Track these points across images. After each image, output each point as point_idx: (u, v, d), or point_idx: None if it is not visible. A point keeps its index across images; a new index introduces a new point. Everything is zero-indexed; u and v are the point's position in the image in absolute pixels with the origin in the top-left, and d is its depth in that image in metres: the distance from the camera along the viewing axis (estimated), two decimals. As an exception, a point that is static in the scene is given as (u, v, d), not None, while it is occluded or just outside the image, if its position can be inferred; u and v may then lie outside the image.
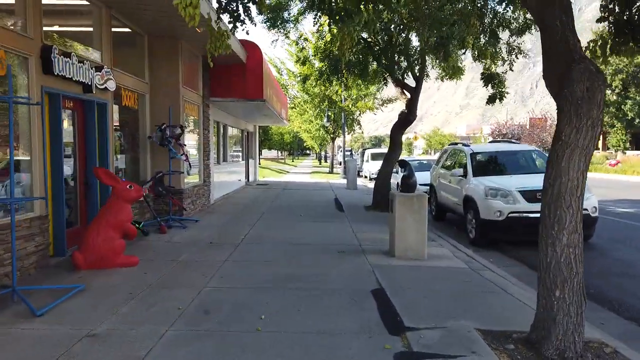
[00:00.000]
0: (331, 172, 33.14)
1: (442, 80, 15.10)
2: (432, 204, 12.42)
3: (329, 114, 29.33)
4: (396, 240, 7.08)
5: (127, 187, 6.24)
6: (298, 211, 12.11)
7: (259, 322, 4.25)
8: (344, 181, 24.18)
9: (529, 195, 8.26)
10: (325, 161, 65.14)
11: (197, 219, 10.09)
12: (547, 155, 10.93)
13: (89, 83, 6.99)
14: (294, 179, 26.47)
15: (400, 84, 12.75)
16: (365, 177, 28.62)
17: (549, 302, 3.60)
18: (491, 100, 11.69)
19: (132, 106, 9.19)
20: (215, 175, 13.93)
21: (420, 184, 16.14)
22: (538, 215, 8.53)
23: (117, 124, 9.20)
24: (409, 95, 12.90)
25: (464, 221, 9.59)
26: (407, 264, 6.66)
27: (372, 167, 27.58)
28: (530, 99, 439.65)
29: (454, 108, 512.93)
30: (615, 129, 58.45)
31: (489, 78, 11.33)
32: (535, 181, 8.80)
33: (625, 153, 49.53)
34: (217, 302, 4.82)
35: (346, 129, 28.37)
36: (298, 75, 29.18)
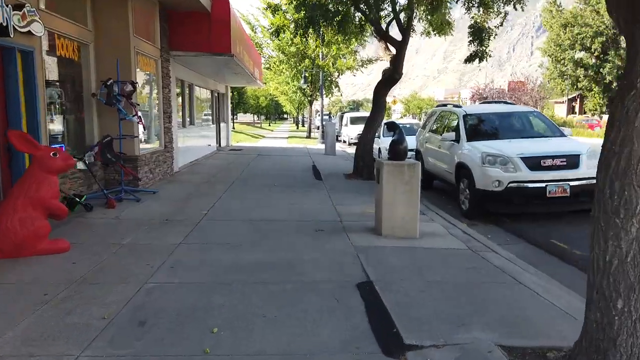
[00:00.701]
0: (309, 136, 31.87)
1: (427, 35, 13.86)
2: (418, 171, 11.42)
3: (306, 74, 27.76)
4: (383, 215, 6.04)
5: (51, 154, 4.97)
6: (272, 180, 10.95)
7: (209, 340, 3.17)
8: (322, 146, 22.99)
9: (532, 162, 7.28)
10: (303, 125, 63.60)
11: (155, 190, 8.85)
12: (547, 118, 10.00)
13: (4, 23, 5.56)
14: (270, 144, 25.16)
15: (384, 38, 11.46)
16: (344, 142, 27.48)
17: (606, 316, 2.60)
18: (471, 58, 10.53)
19: (72, 57, 7.73)
20: (179, 140, 12.59)
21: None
22: (542, 185, 7.71)
23: (56, 79, 7.79)
24: (393, 51, 11.65)
25: (455, 191, 8.62)
26: (397, 245, 5.64)
27: (352, 132, 26.44)
28: (507, 63, 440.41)
29: (431, 72, 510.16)
30: (592, 92, 58.36)
31: (477, 32, 10.11)
32: (539, 146, 7.86)
33: (601, 117, 49.51)
34: (159, 306, 3.71)
35: (324, 92, 26.92)
36: (270, 26, 27.35)
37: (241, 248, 5.36)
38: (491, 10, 9.31)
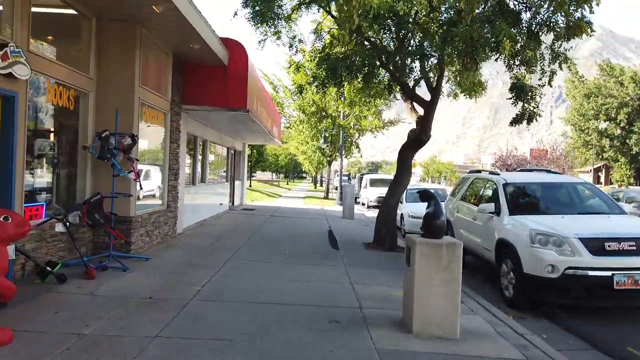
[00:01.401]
0: (326, 197, 30.90)
1: (455, 97, 13.09)
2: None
3: (326, 134, 27.25)
4: (415, 307, 4.80)
5: (0, 218, 3.97)
6: (283, 246, 9.80)
7: None
8: (340, 209, 21.88)
9: (594, 245, 6.01)
10: (321, 185, 63.01)
11: (148, 257, 7.76)
12: (600, 190, 8.80)
13: (-22, 63, 4.81)
14: (286, 204, 24.19)
15: (411, 97, 10.64)
16: (363, 204, 26.39)
17: None
18: (519, 119, 9.51)
19: (67, 106, 6.98)
20: (187, 199, 11.66)
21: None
22: (607, 273, 6.35)
23: (50, 128, 7.05)
24: (420, 112, 10.80)
25: (494, 271, 7.34)
26: (434, 351, 4.37)
27: (372, 194, 25.44)
28: (526, 131, 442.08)
29: (450, 137, 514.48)
30: (619, 163, 56.88)
31: (519, 91, 9.15)
32: (599, 225, 6.61)
33: (629, 188, 47.68)
34: None
35: (344, 152, 26.24)
36: (292, 84, 27.21)
37: (231, 349, 4.15)
38: (534, 68, 8.40)
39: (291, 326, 4.83)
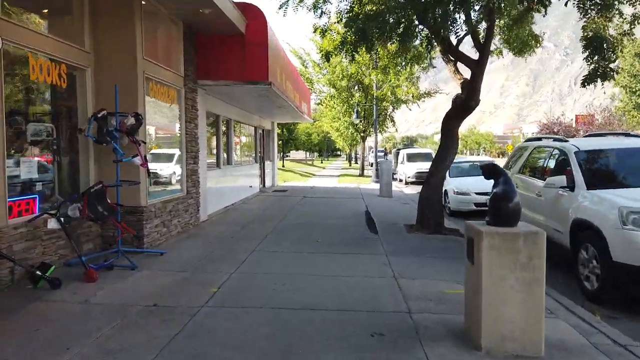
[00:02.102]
0: (361, 174, 29.68)
1: (498, 55, 11.60)
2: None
3: (359, 109, 25.88)
4: (484, 316, 3.67)
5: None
6: (315, 232, 8.79)
7: None
8: (376, 186, 20.69)
9: None
10: (356, 162, 61.69)
11: (163, 251, 6.89)
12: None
13: None
14: (320, 184, 23.18)
15: (456, 56, 9.25)
16: (400, 180, 25.07)
17: None
18: (591, 78, 7.99)
19: (58, 84, 6.08)
20: (211, 183, 10.79)
21: (477, 193, 12.73)
22: None
23: (46, 111, 6.22)
24: (466, 75, 9.40)
25: (568, 258, 6.07)
26: (515, 380, 3.24)
27: (409, 170, 24.09)
28: (568, 97, 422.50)
29: (488, 107, 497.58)
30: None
31: (592, 43, 7.59)
32: None
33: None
34: None
35: (378, 126, 24.85)
36: (319, 52, 25.72)
37: (245, 381, 3.16)
38: (612, 11, 6.85)
39: (323, 343, 3.79)
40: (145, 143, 6.84)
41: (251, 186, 15.68)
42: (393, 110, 28.15)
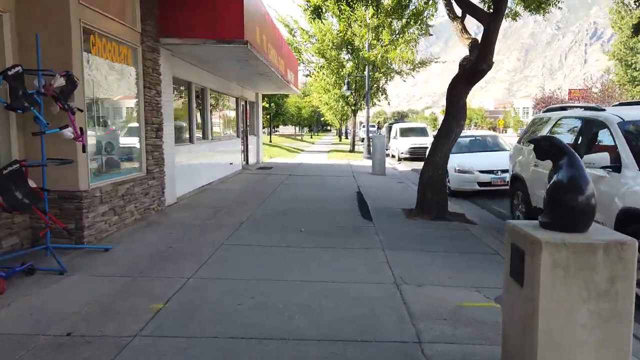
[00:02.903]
0: (352, 150, 28.33)
1: (514, 18, 10.27)
2: (516, 209, 7.68)
3: (349, 80, 24.32)
4: (536, 364, 2.43)
5: None
6: (299, 218, 7.53)
7: None
8: (368, 163, 19.43)
9: None
10: (346, 137, 60.27)
11: (108, 247, 5.58)
12: None
13: None
14: (308, 160, 21.84)
15: (466, 6, 7.87)
16: (393, 156, 23.81)
17: None
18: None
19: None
20: (182, 160, 9.44)
21: (481, 171, 11.49)
22: None
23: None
24: (471, 35, 8.04)
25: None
26: None
27: (402, 145, 22.84)
28: (558, 71, 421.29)
29: (479, 82, 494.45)
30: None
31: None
32: None
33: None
34: None
35: (369, 99, 23.35)
36: (307, 8, 24.03)
37: None
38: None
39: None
40: (81, 111, 5.42)
41: (232, 163, 14.30)
42: (386, 82, 26.62)
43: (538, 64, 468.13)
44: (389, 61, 23.37)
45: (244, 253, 5.56)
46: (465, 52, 8.31)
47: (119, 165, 6.90)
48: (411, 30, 18.54)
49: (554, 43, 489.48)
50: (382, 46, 21.43)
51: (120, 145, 7.10)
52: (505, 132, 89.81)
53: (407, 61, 18.51)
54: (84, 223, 5.57)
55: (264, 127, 59.68)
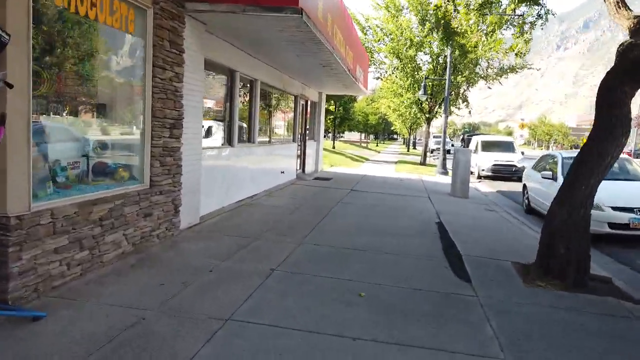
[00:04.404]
0: (423, 163, 25.35)
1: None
2: None
3: (426, 83, 21.46)
4: None
5: None
6: (355, 268, 5.06)
7: None
8: (444, 180, 16.58)
9: None
10: (414, 148, 56.83)
11: (40, 314, 3.39)
12: None
13: None
14: (373, 171, 19.29)
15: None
16: (472, 173, 20.62)
17: None
18: None
19: None
20: (218, 166, 7.32)
21: (614, 208, 8.29)
22: None
23: None
24: (632, 11, 5.18)
25: None
26: None
27: (484, 161, 19.71)
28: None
29: (558, 97, 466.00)
30: None
31: None
32: None
33: None
34: None
35: (449, 104, 20.30)
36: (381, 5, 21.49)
37: None
38: None
39: None
40: (11, 86, 3.28)
41: (283, 172, 12.09)
42: (467, 89, 23.47)
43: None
44: (479, 60, 20.26)
45: (258, 347, 3.17)
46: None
47: (102, 172, 4.78)
48: (522, 11, 15.07)
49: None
50: (481, 32, 18.22)
51: (106, 144, 4.99)
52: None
53: (517, 53, 15.27)
54: (8, 269, 3.44)
55: (327, 132, 57.84)
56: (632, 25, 5.48)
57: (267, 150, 10.86)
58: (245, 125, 9.44)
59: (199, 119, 6.74)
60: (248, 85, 9.53)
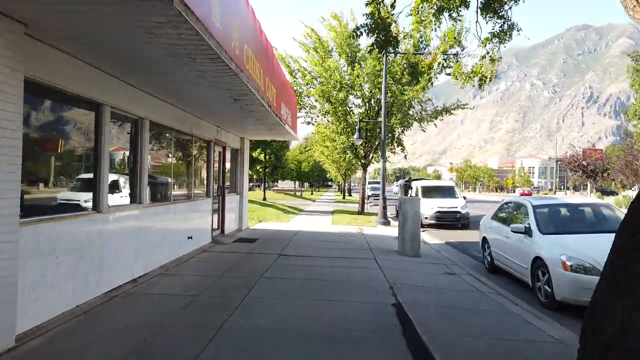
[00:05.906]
0: (361, 212, 23.44)
1: None
2: None
3: (360, 126, 19.87)
4: None
5: None
6: None
7: None
8: (386, 232, 14.57)
9: None
10: (350, 195, 55.59)
11: None
12: None
13: None
14: (308, 225, 16.96)
15: None
16: (414, 222, 18.87)
17: None
18: None
19: None
20: (76, 242, 4.61)
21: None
22: None
23: None
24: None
25: None
26: None
27: (426, 208, 17.96)
28: (557, 133, 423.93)
29: (477, 142, 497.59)
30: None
31: None
32: None
33: None
34: None
35: (385, 146, 18.64)
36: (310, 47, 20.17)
37: None
38: None
39: None
40: None
41: (191, 237, 9.43)
42: (402, 132, 22.21)
43: (536, 125, 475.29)
44: (409, 102, 19.14)
45: None
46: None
47: None
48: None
49: (551, 106, 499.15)
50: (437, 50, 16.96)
51: None
52: (514, 192, 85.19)
53: (482, 77, 14.11)
54: None
55: (259, 182, 54.69)
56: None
57: (165, 211, 8.24)
58: (123, 179, 6.84)
59: (17, 171, 4.13)
60: (131, 125, 7.03)
